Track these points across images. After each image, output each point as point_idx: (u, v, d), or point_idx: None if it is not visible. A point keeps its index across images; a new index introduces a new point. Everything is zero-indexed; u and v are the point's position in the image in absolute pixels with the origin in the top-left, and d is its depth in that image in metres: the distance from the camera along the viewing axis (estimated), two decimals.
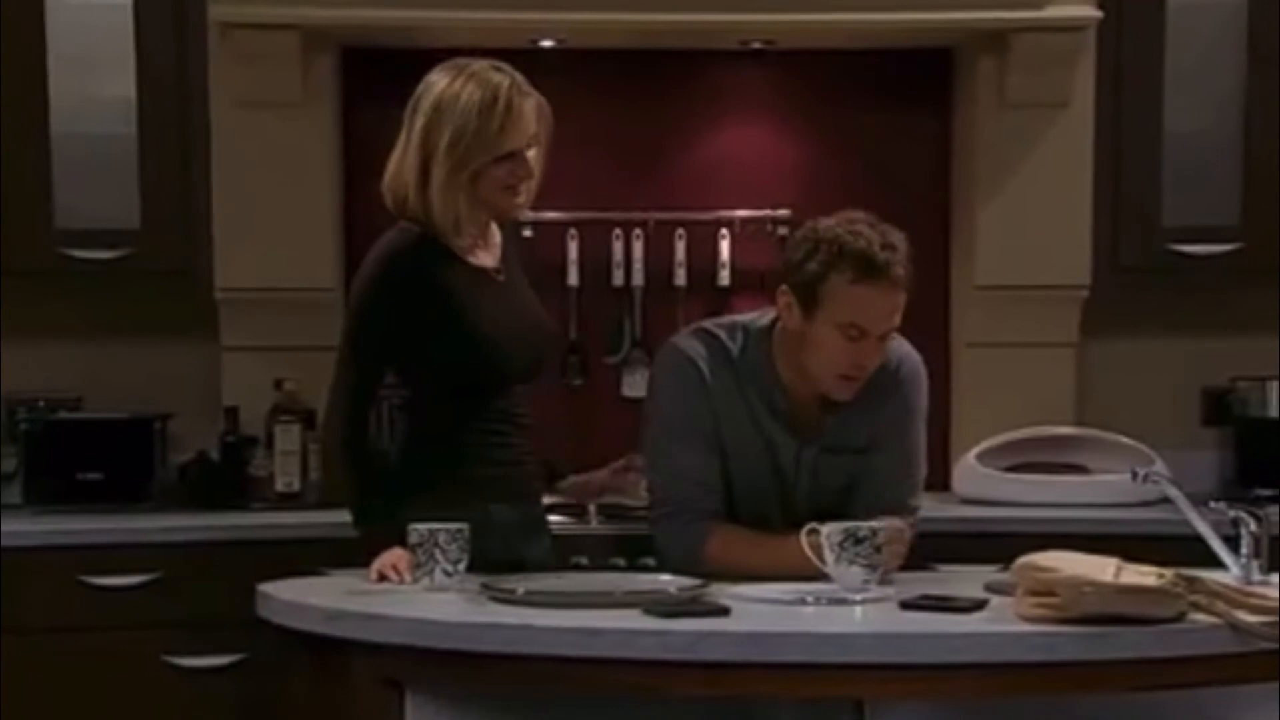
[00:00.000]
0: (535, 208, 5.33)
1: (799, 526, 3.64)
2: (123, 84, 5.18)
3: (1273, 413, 5.40)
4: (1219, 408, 5.50)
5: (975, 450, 5.27)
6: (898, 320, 3.79)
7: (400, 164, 3.87)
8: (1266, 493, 5.22)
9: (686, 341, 3.97)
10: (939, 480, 5.26)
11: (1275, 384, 5.39)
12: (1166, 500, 4.99)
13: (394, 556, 3.67)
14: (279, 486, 5.17)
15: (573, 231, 5.53)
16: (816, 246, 3.75)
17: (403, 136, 3.87)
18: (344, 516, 3.92)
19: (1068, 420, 5.39)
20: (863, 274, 3.71)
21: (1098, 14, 5.20)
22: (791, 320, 3.81)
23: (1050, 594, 3.13)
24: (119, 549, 4.82)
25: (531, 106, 3.85)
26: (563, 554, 4.67)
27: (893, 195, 5.49)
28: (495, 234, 4.01)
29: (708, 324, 4.01)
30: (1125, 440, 5.22)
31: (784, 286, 3.81)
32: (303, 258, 5.22)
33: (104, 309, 5.40)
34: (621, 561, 4.58)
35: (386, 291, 3.81)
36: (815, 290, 3.74)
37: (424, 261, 3.82)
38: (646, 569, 4.03)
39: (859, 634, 3.13)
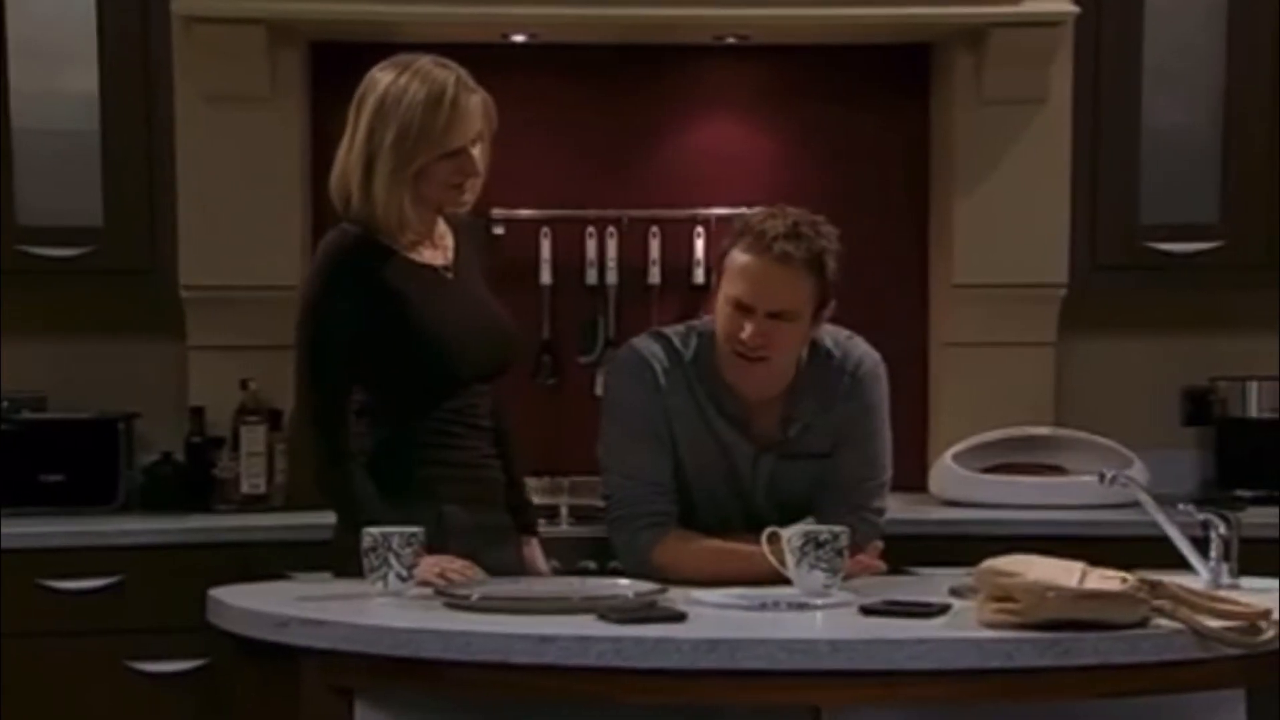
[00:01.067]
0: (507, 205, 5.41)
1: (761, 530, 3.58)
2: (85, 78, 5.11)
3: (1253, 413, 5.34)
4: (1199, 408, 5.42)
5: (952, 451, 5.22)
6: (787, 304, 3.73)
7: (345, 162, 3.81)
8: (1247, 494, 5.16)
9: (642, 343, 3.95)
10: (915, 481, 5.23)
11: (1256, 384, 5.33)
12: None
13: (431, 563, 3.56)
14: (245, 488, 5.10)
15: (545, 229, 5.46)
16: (739, 226, 3.83)
17: (347, 134, 3.81)
18: (311, 519, 3.86)
19: (1046, 420, 5.34)
20: (750, 247, 3.75)
21: (1075, 9, 5.15)
22: (714, 293, 3.84)
23: (1012, 599, 3.07)
24: (80, 552, 4.75)
25: (477, 103, 3.80)
26: None
27: (870, 193, 5.55)
28: (445, 232, 3.95)
29: (663, 328, 3.99)
30: (1104, 441, 5.18)
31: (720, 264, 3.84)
32: (270, 255, 5.15)
33: (67, 308, 5.32)
34: (592, 564, 4.53)
35: (335, 295, 3.75)
36: (721, 264, 3.81)
37: (366, 261, 3.76)
38: (618, 573, 3.95)
39: (815, 640, 3.06)
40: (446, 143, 3.74)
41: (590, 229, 5.48)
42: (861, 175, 5.54)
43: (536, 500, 4.90)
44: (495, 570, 3.75)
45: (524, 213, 5.44)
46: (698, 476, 3.88)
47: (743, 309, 3.74)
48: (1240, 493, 5.16)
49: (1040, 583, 3.05)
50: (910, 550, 4.59)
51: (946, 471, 5.20)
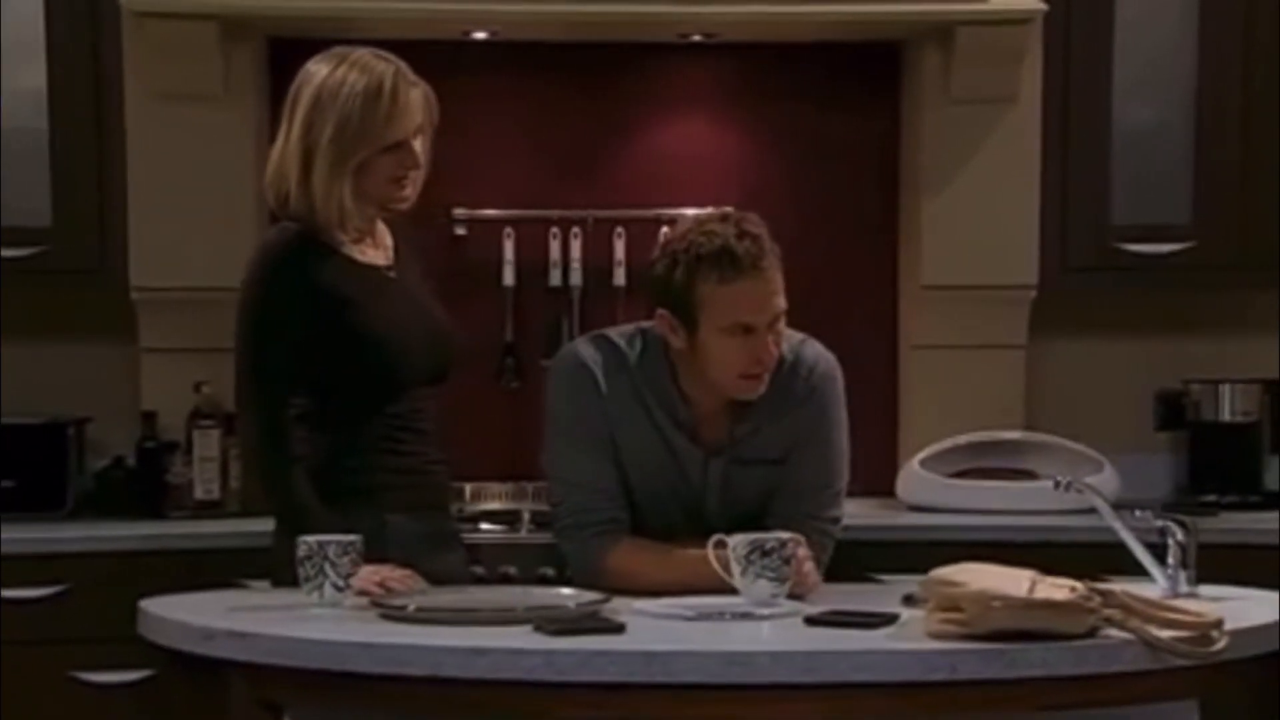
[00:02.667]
0: (469, 205, 5.36)
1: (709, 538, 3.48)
2: (33, 74, 5.04)
3: (1226, 416, 5.27)
4: (1172, 411, 5.34)
5: (920, 455, 5.15)
6: (781, 304, 3.62)
7: (281, 158, 3.72)
8: (1220, 499, 5.14)
9: (582, 347, 3.82)
10: (883, 486, 5.17)
11: (1228, 386, 5.27)
12: (1115, 507, 4.94)
13: (370, 573, 3.47)
14: (198, 494, 5.03)
15: (508, 230, 5.39)
16: (675, 259, 3.62)
17: (283, 129, 3.72)
18: (266, 526, 3.76)
19: (1017, 425, 5.28)
20: (728, 272, 3.56)
21: (1043, 7, 5.09)
22: (679, 339, 3.66)
23: (958, 609, 2.98)
24: (26, 560, 4.66)
25: (418, 96, 3.71)
26: (492, 564, 4.56)
27: (839, 193, 5.50)
28: (385, 232, 3.86)
29: (606, 330, 3.87)
30: (1075, 445, 5.14)
31: (660, 311, 3.66)
32: (223, 256, 4.98)
33: (16, 309, 5.20)
34: (551, 571, 4.41)
35: (276, 295, 3.66)
36: (688, 303, 3.60)
37: (306, 260, 3.67)
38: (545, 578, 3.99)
39: (755, 652, 2.96)
40: (387, 136, 3.65)
41: (554, 229, 5.40)
42: (830, 175, 5.48)
43: (498, 505, 4.85)
44: (440, 579, 3.65)
45: (486, 213, 5.39)
46: (644, 482, 3.76)
47: (747, 332, 3.59)
48: (1213, 498, 5.18)
49: (986, 592, 2.96)
50: (876, 556, 4.54)
51: (914, 476, 5.14)
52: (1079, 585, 3.02)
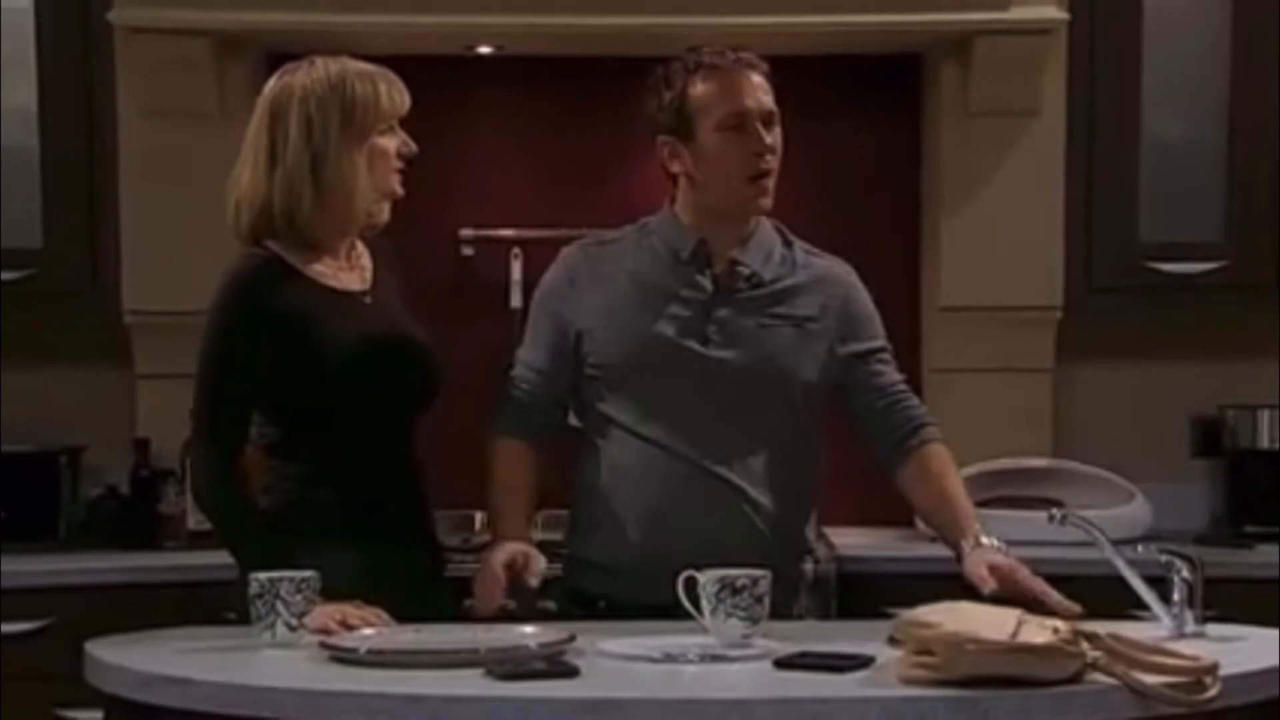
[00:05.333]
0: (475, 225, 5.19)
1: (714, 415, 3.64)
2: (23, 92, 4.97)
3: (1265, 443, 5.08)
4: (1209, 438, 5.15)
5: None
6: (772, 105, 3.75)
7: (271, 179, 3.61)
8: (1259, 530, 4.97)
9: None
10: (902, 516, 4.93)
11: (1267, 413, 5.08)
12: (1146, 538, 4.77)
13: (332, 610, 3.35)
14: (191, 525, 4.88)
15: (516, 250, 5.29)
16: (666, 79, 3.77)
17: (261, 152, 3.62)
18: None
19: (1044, 452, 5.14)
20: (714, 68, 3.75)
21: (1065, 16, 4.98)
22: (680, 160, 3.75)
23: (931, 653, 2.78)
24: (9, 594, 4.54)
25: (401, 85, 3.71)
26: None
27: (859, 211, 5.35)
28: (363, 253, 3.75)
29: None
30: (1104, 474, 5.01)
31: (661, 139, 3.77)
32: (217, 279, 4.89)
33: (7, 334, 5.10)
34: (552, 605, 4.22)
35: (240, 324, 3.56)
36: (683, 110, 3.72)
37: (276, 288, 3.57)
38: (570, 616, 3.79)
39: (710, 700, 2.77)
40: (391, 111, 3.65)
41: (563, 249, 5.24)
42: (850, 192, 5.36)
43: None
44: (413, 616, 3.48)
45: (494, 233, 5.30)
46: (628, 344, 3.74)
47: (740, 125, 3.69)
48: (1251, 529, 5.00)
49: (959, 635, 2.76)
50: (894, 589, 4.38)
51: None
52: (1062, 627, 2.82)
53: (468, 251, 5.28)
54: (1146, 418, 5.30)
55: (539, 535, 4.83)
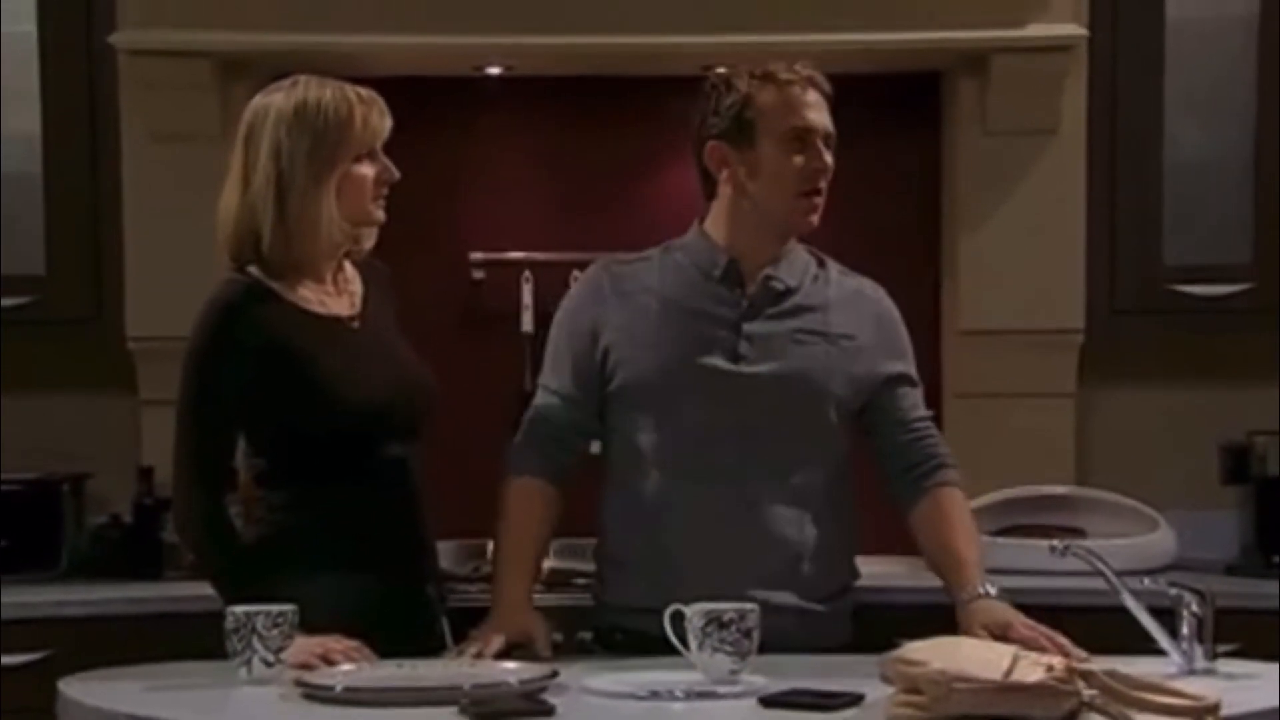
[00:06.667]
0: (485, 248, 5.12)
1: (746, 432, 3.58)
2: (27, 118, 4.93)
3: None
4: (1240, 465, 5.02)
5: None
6: (832, 125, 3.74)
7: (242, 201, 3.55)
8: None
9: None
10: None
11: None
12: (1172, 567, 4.65)
13: (313, 645, 3.28)
14: None
15: (526, 274, 5.21)
16: (727, 84, 3.73)
17: (236, 172, 3.57)
18: None
19: (1067, 479, 5.03)
20: (782, 81, 3.71)
21: (1083, 32, 4.89)
22: (730, 168, 3.70)
23: (919, 691, 2.68)
24: (9, 625, 4.46)
25: (381, 108, 3.60)
26: None
27: (879, 231, 5.24)
28: (353, 278, 3.67)
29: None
30: (1128, 502, 4.89)
31: (711, 143, 3.71)
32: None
33: (10, 361, 5.06)
34: (559, 637, 4.13)
35: (222, 353, 3.49)
36: (743, 117, 3.68)
37: (259, 314, 3.50)
38: (582, 644, 3.80)
39: None
40: (367, 139, 3.54)
41: (575, 273, 5.10)
42: (869, 212, 5.23)
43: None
44: (406, 649, 3.40)
45: (504, 256, 5.23)
46: (663, 368, 3.67)
47: (801, 141, 3.68)
48: None
49: (947, 673, 2.68)
50: (910, 621, 4.17)
51: None
52: (1057, 664, 2.72)
53: (478, 275, 5.22)
54: (1171, 444, 5.20)
55: (550, 563, 4.78)
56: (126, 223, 4.94)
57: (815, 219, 3.72)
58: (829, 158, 3.69)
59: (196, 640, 3.99)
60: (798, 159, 3.67)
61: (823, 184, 3.71)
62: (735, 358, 3.64)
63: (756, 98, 3.68)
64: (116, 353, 4.97)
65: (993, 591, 3.47)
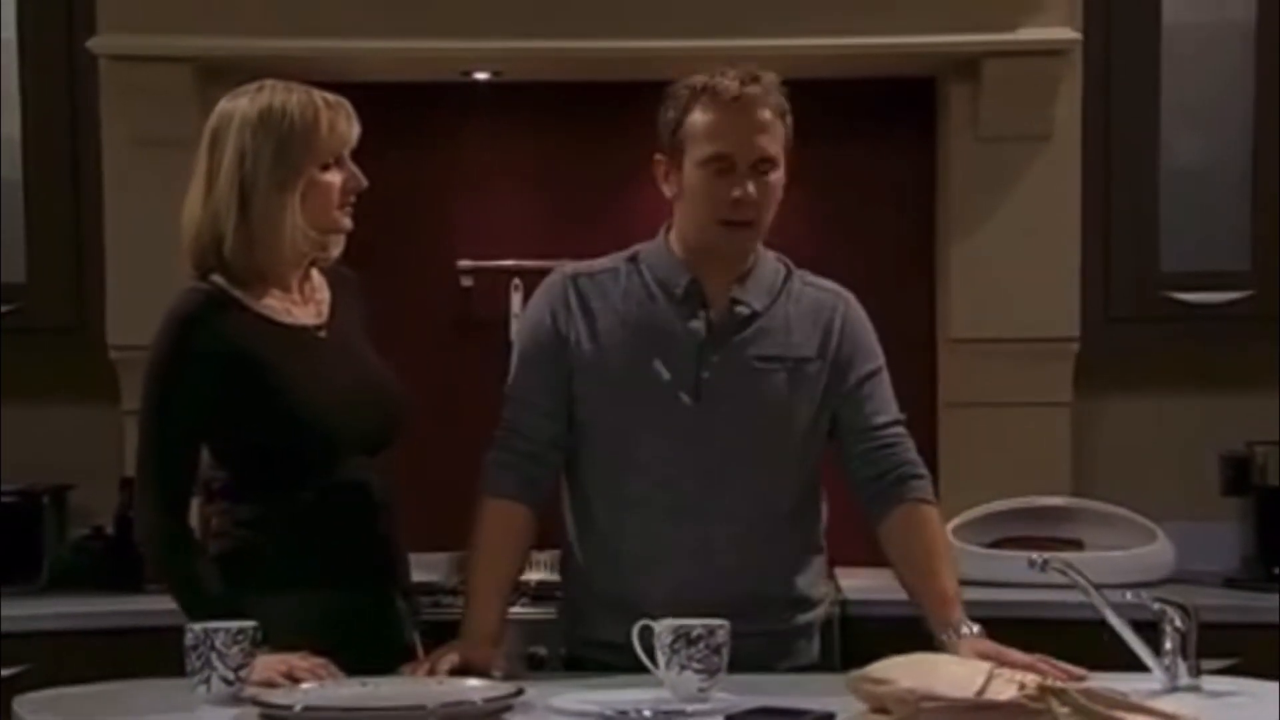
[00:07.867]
0: (474, 255, 5.07)
1: (706, 451, 3.44)
2: (7, 123, 4.90)
3: None
4: (1240, 475, 4.96)
5: (954, 523, 4.78)
6: (769, 149, 3.48)
7: (205, 208, 3.46)
8: None
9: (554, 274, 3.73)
10: None
11: None
12: (1170, 580, 4.58)
13: (276, 662, 3.21)
14: None
15: (516, 281, 5.18)
16: (673, 96, 3.56)
17: (200, 179, 3.48)
18: None
19: (1063, 490, 4.99)
20: (712, 101, 3.49)
21: (1077, 36, 4.84)
22: (669, 187, 3.56)
23: (888, 710, 2.62)
24: None
25: (346, 113, 3.52)
26: None
27: (872, 238, 5.24)
28: (321, 285, 3.60)
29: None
30: (1125, 513, 4.86)
31: (657, 156, 3.58)
32: None
33: None
34: (543, 651, 4.33)
35: (183, 364, 3.42)
36: (676, 137, 3.52)
37: (217, 323, 3.42)
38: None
39: None
40: (334, 145, 3.45)
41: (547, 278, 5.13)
42: (863, 219, 5.23)
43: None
44: (373, 665, 3.33)
45: (493, 263, 5.20)
46: (622, 388, 3.52)
47: (723, 168, 3.45)
48: None
49: (915, 691, 2.62)
50: (899, 634, 4.11)
51: None
52: (1028, 682, 2.66)
53: (467, 282, 5.19)
54: (1170, 454, 5.16)
55: (534, 575, 4.72)
56: (108, 229, 4.91)
57: (744, 248, 3.53)
58: (753, 186, 3.45)
59: (176, 654, 3.95)
60: (716, 187, 3.46)
61: (745, 215, 3.46)
62: (696, 394, 3.48)
63: (687, 117, 3.51)
64: (99, 362, 4.93)
65: (976, 631, 3.35)
